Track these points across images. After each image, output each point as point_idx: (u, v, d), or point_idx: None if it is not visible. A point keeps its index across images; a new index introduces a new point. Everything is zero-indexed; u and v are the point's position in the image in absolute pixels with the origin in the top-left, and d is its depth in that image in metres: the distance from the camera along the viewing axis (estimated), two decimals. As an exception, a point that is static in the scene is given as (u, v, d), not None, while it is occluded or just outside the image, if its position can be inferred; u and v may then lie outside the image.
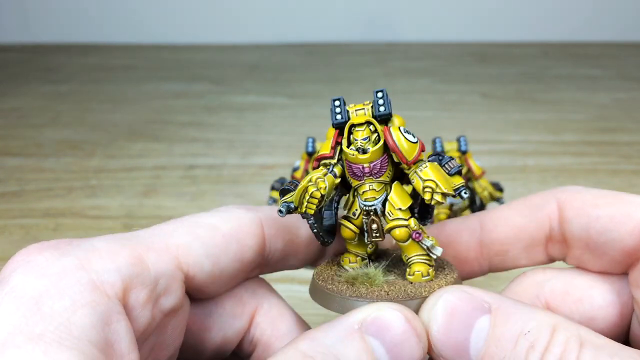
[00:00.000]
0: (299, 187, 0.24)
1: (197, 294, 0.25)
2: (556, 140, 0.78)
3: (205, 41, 1.33)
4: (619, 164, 0.71)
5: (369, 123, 0.24)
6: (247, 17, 1.33)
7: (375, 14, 1.33)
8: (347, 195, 0.26)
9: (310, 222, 0.24)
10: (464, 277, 0.29)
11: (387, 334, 0.21)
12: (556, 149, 0.75)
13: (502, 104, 0.94)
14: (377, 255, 0.27)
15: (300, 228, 0.27)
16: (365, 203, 0.24)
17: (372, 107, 0.25)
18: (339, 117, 0.25)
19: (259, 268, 0.27)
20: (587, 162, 0.71)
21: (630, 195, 0.26)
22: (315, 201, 0.23)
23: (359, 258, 0.26)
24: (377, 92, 0.25)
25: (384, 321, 0.21)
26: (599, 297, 0.26)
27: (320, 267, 0.26)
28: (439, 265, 0.26)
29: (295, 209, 0.24)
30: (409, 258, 0.25)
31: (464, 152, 0.52)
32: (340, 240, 0.27)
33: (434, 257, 0.25)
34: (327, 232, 0.26)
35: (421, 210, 0.27)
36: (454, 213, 0.52)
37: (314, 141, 0.51)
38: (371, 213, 0.25)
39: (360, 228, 0.25)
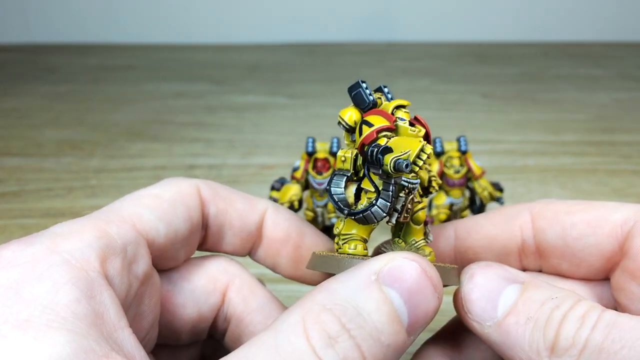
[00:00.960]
0: (416, 147, 0.23)
1: (160, 262, 0.26)
2: (556, 140, 0.78)
3: (205, 41, 1.33)
4: (619, 164, 0.71)
5: (403, 107, 0.25)
6: (247, 17, 1.33)
7: (375, 14, 1.33)
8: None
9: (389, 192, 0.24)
10: None
11: (403, 283, 0.21)
12: (556, 149, 0.75)
13: (502, 104, 0.94)
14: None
15: (236, 201, 0.28)
16: (411, 180, 0.24)
17: (382, 96, 0.26)
18: (371, 97, 0.25)
19: (203, 232, 0.28)
20: (587, 162, 0.71)
21: (603, 202, 0.26)
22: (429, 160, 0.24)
23: (365, 244, 0.26)
24: (383, 87, 0.26)
25: (399, 270, 0.21)
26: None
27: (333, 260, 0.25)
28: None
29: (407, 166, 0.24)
30: (417, 242, 0.26)
31: (464, 152, 0.52)
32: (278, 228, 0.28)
33: (429, 241, 0.26)
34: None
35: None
36: (453, 213, 0.52)
37: (314, 141, 0.51)
38: (412, 191, 0.25)
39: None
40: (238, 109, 0.93)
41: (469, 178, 0.52)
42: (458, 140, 0.52)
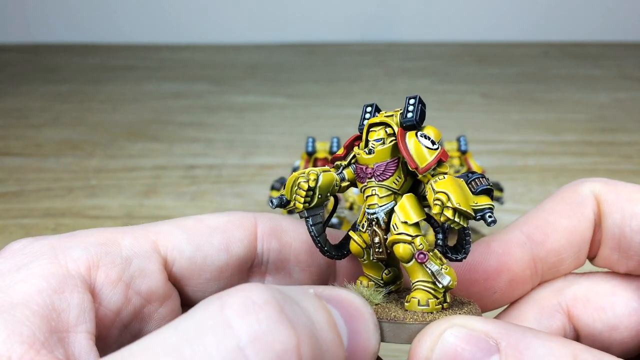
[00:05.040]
0: (290, 177, 0.23)
1: (184, 284, 0.24)
2: (556, 140, 0.78)
3: (205, 41, 1.33)
4: (619, 164, 0.71)
5: (386, 125, 0.22)
6: (247, 17, 1.33)
7: (375, 14, 1.32)
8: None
9: (307, 220, 0.23)
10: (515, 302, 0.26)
11: (343, 306, 0.19)
12: (556, 149, 0.76)
13: (502, 104, 0.94)
14: (397, 291, 0.24)
15: (303, 234, 0.25)
16: (368, 210, 0.22)
17: (400, 113, 0.22)
18: (365, 122, 0.23)
19: (258, 269, 0.26)
20: (587, 162, 0.71)
21: None
22: (302, 193, 0.22)
23: (372, 283, 0.23)
24: (409, 98, 0.22)
25: (341, 296, 0.20)
26: (621, 304, 0.25)
27: None
28: (459, 302, 0.22)
29: (288, 202, 0.22)
30: (413, 284, 0.21)
31: (464, 152, 0.52)
32: (356, 262, 0.24)
33: (440, 286, 0.21)
34: (336, 246, 0.24)
35: (456, 243, 0.23)
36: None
37: (314, 141, 0.51)
38: (373, 223, 0.22)
39: (367, 243, 0.22)
40: (238, 109, 0.93)
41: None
42: (458, 140, 0.52)
